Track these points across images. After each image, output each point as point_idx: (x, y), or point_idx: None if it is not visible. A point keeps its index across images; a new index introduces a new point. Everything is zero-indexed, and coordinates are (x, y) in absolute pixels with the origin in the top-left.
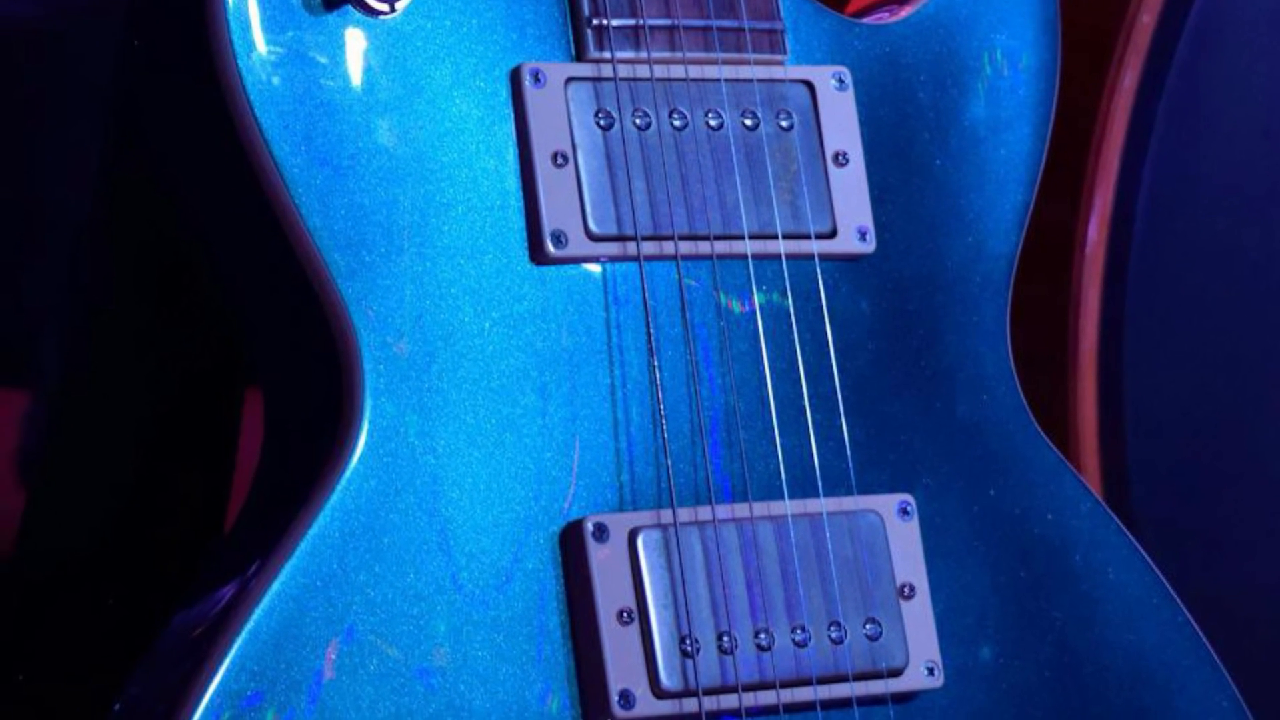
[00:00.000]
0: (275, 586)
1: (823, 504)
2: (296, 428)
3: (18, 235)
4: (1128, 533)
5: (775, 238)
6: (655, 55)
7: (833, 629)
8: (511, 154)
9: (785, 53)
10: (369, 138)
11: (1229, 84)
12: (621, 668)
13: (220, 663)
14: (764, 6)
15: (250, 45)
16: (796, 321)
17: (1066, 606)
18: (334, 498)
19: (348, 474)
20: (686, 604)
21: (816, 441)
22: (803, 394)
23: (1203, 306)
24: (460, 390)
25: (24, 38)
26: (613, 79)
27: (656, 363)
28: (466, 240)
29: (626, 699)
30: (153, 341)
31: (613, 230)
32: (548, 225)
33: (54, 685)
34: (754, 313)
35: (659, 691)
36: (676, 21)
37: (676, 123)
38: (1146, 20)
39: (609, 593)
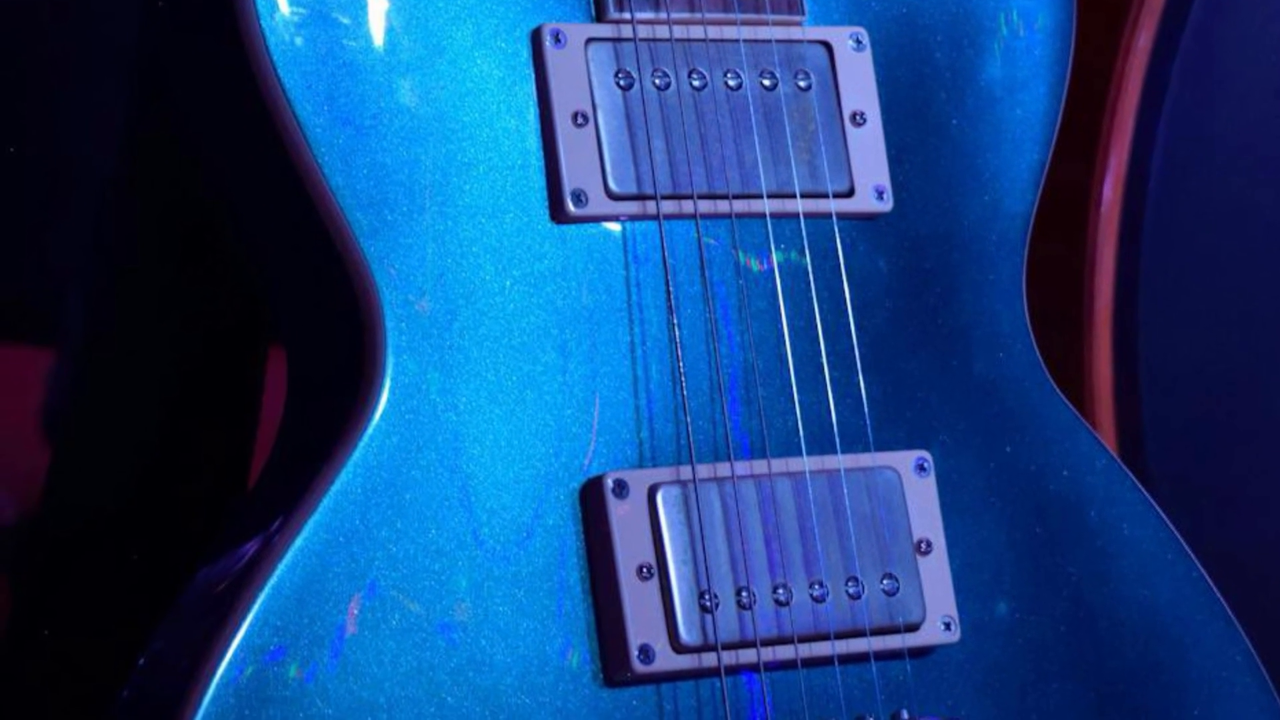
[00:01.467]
0: (298, 542)
1: (840, 460)
2: (319, 385)
3: (43, 194)
4: (1142, 489)
5: (793, 197)
6: (674, 16)
7: (850, 584)
8: (532, 114)
9: (803, 14)
10: (391, 97)
11: (1243, 44)
12: (641, 623)
13: (244, 618)
14: None
15: (273, 6)
16: (814, 280)
17: (1081, 562)
18: (356, 454)
19: (370, 431)
20: (705, 559)
21: (834, 398)
22: (821, 352)
23: (1217, 265)
24: (481, 348)
25: None
26: (632, 39)
27: (676, 320)
28: (488, 199)
29: (646, 653)
30: (177, 300)
31: (632, 189)
32: (568, 184)
33: (79, 640)
34: (772, 271)
35: (678, 646)
36: None
37: (696, 83)
38: None
39: (629, 548)
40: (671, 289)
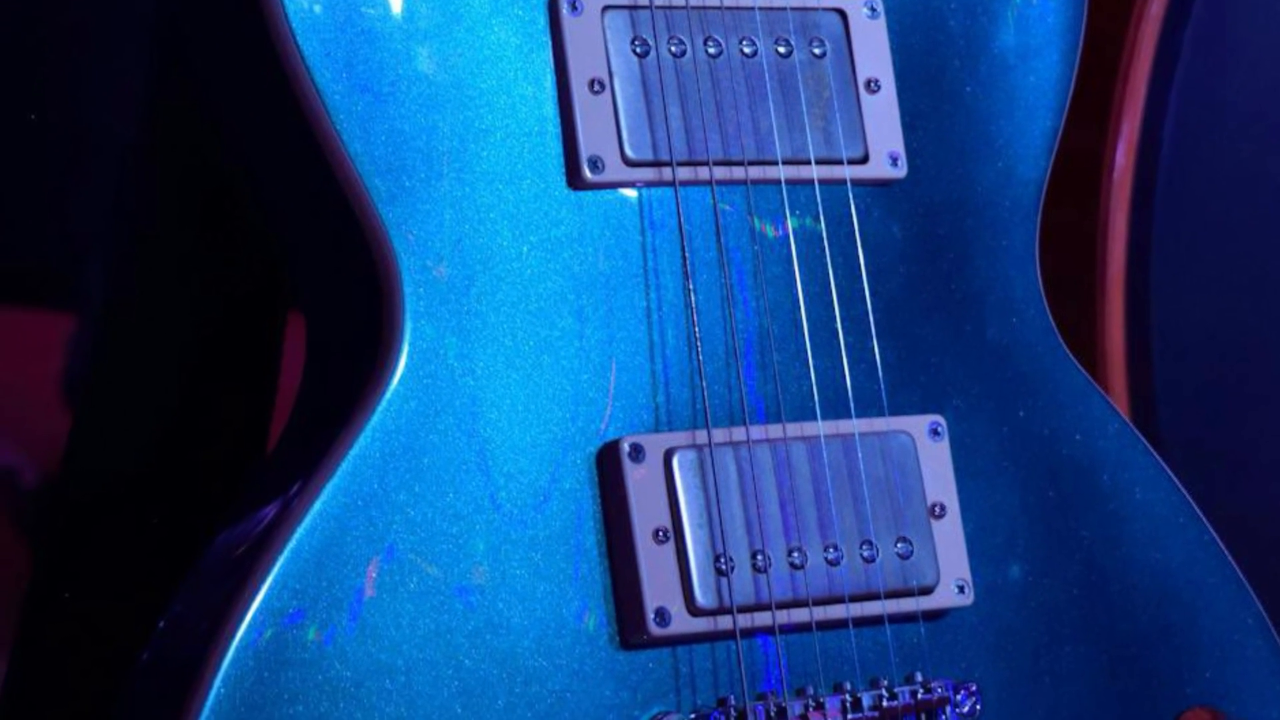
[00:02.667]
0: (317, 506)
1: (855, 425)
2: (338, 350)
3: (64, 161)
4: (1154, 453)
5: (808, 163)
6: None
7: (864, 548)
8: (549, 81)
9: None
10: (409, 65)
11: (1254, 11)
12: (657, 585)
13: (263, 581)
14: None
15: None
16: (829, 246)
17: (1094, 526)
18: (374, 419)
19: (388, 395)
20: (721, 523)
21: (849, 363)
22: (835, 317)
23: (1229, 231)
24: (499, 313)
25: None
26: (649, 7)
27: (691, 286)
28: (505, 166)
29: (662, 616)
30: (196, 266)
31: (648, 156)
32: (585, 151)
33: (100, 603)
34: (787, 237)
35: (694, 609)
36: None
37: (711, 50)
38: None
39: (645, 512)
40: (687, 255)
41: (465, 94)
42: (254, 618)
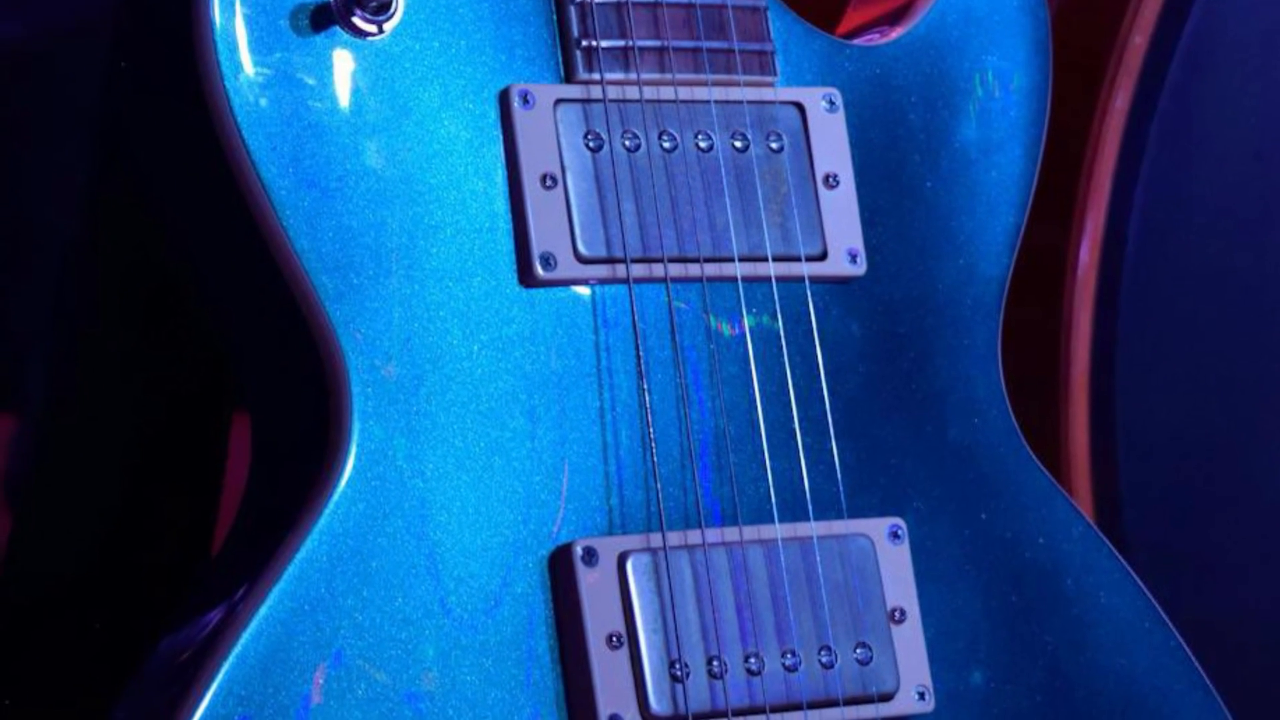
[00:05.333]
0: (263, 611)
1: (813, 528)
2: (284, 451)
3: (3, 257)
4: (1120, 557)
5: (765, 260)
6: (645, 76)
7: (823, 653)
8: (500, 176)
9: (775, 74)
10: (357, 159)
11: (1221, 106)
12: (611, 692)
13: (208, 687)
14: (754, 28)
15: (238, 66)
16: (787, 344)
17: (1058, 631)
18: (321, 521)
19: (335, 497)
20: (676, 628)
21: (807, 465)
22: (793, 417)
23: (1195, 329)
24: (449, 413)
25: (11, 59)
26: (602, 100)
27: (646, 386)
28: (455, 262)
29: None
30: (139, 364)
31: (602, 253)
32: (536, 247)
33: (40, 710)
34: (744, 335)
35: (649, 716)
36: (666, 43)
37: (666, 144)
38: (1138, 41)
39: (598, 617)
40: (642, 354)
41: (414, 189)
42: None
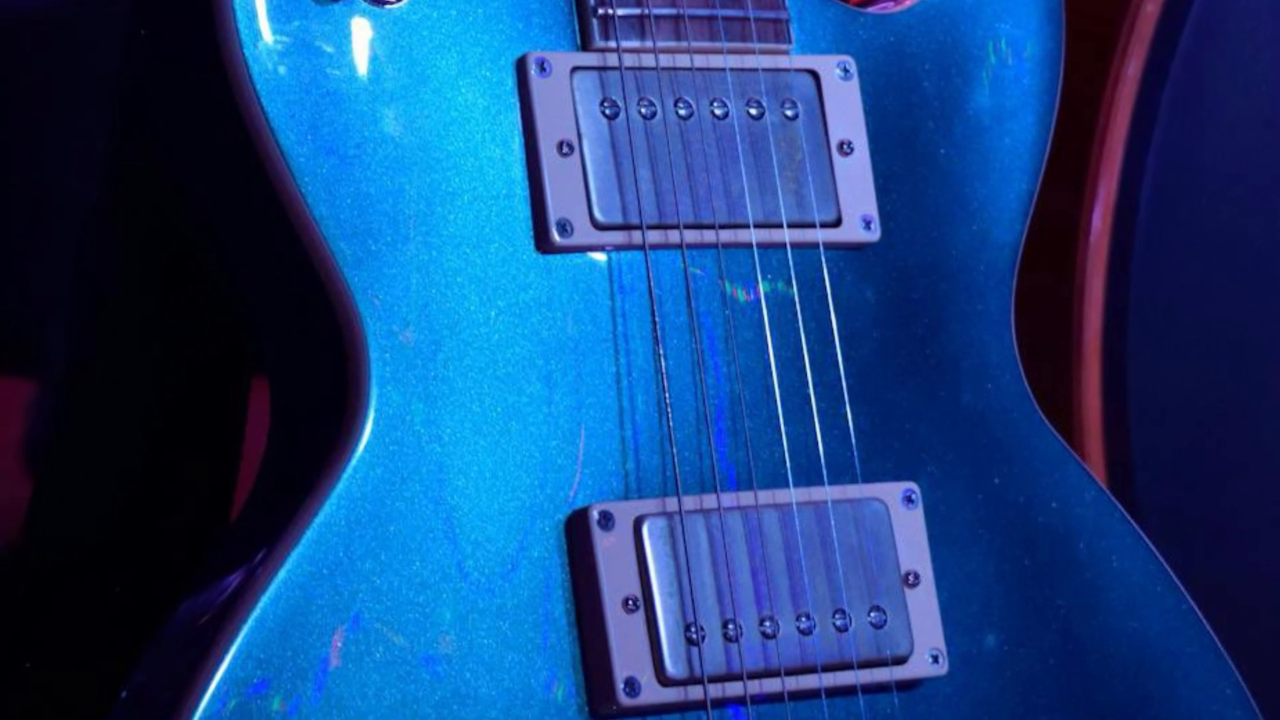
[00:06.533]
0: (281, 574)
1: (828, 492)
2: (302, 416)
3: (25, 224)
4: (1132, 521)
5: (780, 226)
6: (661, 45)
7: (837, 616)
8: (517, 143)
9: (790, 42)
10: (375, 126)
11: (1233, 73)
12: (627, 655)
13: (226, 650)
14: None
15: (256, 34)
16: (801, 310)
17: (1070, 594)
18: (340, 486)
19: (354, 462)
20: (692, 592)
21: (821, 430)
22: (807, 382)
23: (1206, 295)
24: (466, 379)
25: (31, 27)
26: (618, 68)
27: (662, 351)
28: (472, 229)
29: (632, 686)
30: (159, 330)
31: (618, 219)
32: (553, 214)
33: (61, 673)
34: (759, 301)
35: (664, 679)
36: (682, 11)
37: (682, 112)
38: (1150, 9)
39: (614, 580)
40: (657, 319)
41: (432, 156)
42: (218, 688)
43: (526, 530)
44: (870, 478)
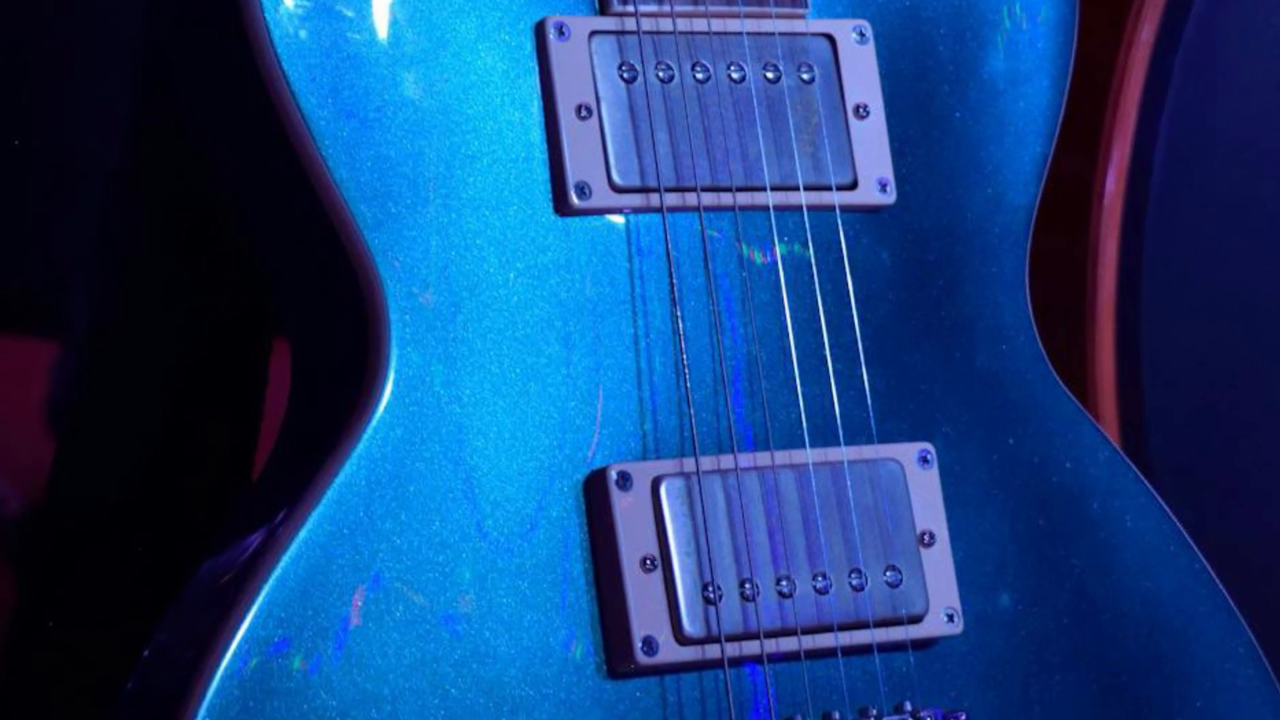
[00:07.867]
0: (302, 534)
1: (844, 452)
2: (323, 377)
3: (48, 187)
4: (1145, 481)
5: (797, 189)
6: (678, 9)
7: (853, 576)
8: (536, 107)
9: (806, 6)
10: (395, 90)
11: (1245, 37)
12: (645, 614)
13: (248, 609)
14: None
15: None
16: (818, 272)
17: (1084, 554)
18: (360, 446)
19: (374, 423)
20: (709, 551)
21: (837, 391)
22: (824, 344)
23: (1219, 257)
24: (485, 340)
25: None
26: (636, 32)
27: (679, 313)
28: (491, 192)
29: (650, 645)
30: (181, 292)
31: (636, 182)
32: (572, 177)
33: (84, 632)
34: (776, 263)
35: (682, 638)
36: None
37: (699, 75)
38: None
39: (632, 540)
40: (675, 281)
41: (451, 119)
42: (239, 646)
43: (545, 490)
44: (886, 438)
